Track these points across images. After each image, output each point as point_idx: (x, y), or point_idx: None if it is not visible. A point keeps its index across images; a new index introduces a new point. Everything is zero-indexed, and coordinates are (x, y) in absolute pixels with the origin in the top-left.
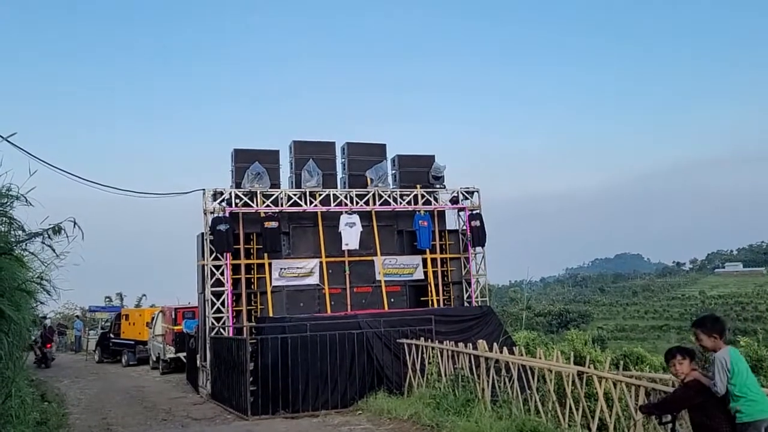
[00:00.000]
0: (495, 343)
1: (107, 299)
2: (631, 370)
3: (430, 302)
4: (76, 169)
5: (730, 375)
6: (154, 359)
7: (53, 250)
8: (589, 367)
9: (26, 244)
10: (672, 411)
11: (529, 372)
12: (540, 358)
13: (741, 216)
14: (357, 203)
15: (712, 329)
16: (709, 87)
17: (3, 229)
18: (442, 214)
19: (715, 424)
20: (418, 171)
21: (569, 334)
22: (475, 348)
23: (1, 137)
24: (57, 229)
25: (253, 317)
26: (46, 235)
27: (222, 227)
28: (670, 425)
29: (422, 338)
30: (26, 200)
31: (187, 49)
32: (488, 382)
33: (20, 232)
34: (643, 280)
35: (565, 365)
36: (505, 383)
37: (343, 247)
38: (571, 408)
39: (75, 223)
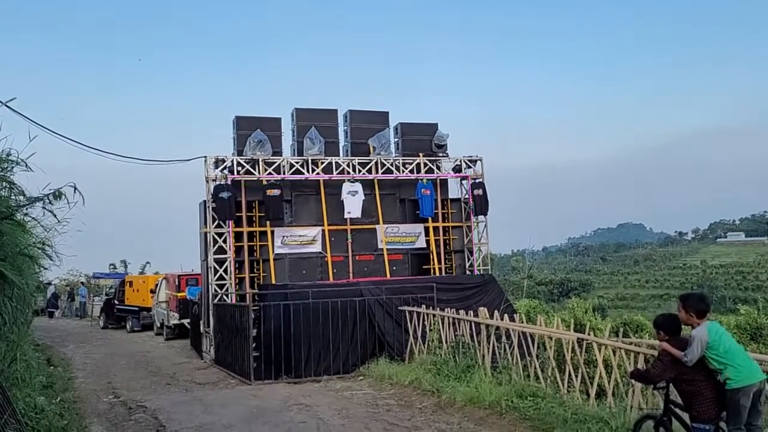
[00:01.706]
0: (496, 311)
1: (111, 266)
2: (630, 338)
3: (432, 270)
4: (78, 137)
5: (708, 348)
6: (158, 325)
7: (54, 216)
8: (589, 335)
9: (27, 210)
10: (649, 383)
11: (529, 339)
12: (540, 325)
13: (744, 186)
14: (359, 171)
15: (690, 306)
16: (712, 56)
17: (4, 193)
18: (444, 183)
19: (697, 389)
20: (421, 139)
21: (570, 303)
22: (476, 315)
23: (0, 102)
24: (57, 195)
25: (255, 284)
26: (47, 201)
27: (224, 195)
28: (663, 390)
29: (424, 306)
30: (26, 165)
31: (188, 16)
32: (488, 348)
33: (21, 197)
34: (644, 249)
35: (565, 332)
36: (505, 350)
37: (346, 216)
38: (570, 374)
39: (75, 189)
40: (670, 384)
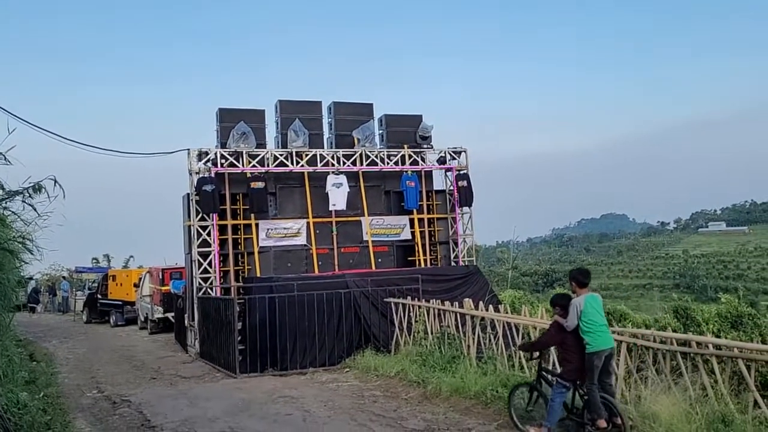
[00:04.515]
0: (481, 302)
1: (94, 260)
2: (613, 327)
3: (417, 262)
4: (59, 130)
5: (581, 316)
6: (142, 319)
7: (35, 210)
8: None
9: (7, 203)
10: (538, 349)
11: (514, 329)
12: (525, 316)
13: (725, 176)
14: (344, 163)
15: (572, 279)
16: (694, 48)
17: None
18: (429, 175)
19: (569, 356)
20: (406, 131)
21: (554, 293)
22: (461, 306)
23: None
24: (37, 188)
25: (240, 277)
26: (27, 194)
27: (208, 188)
28: (537, 361)
29: (409, 297)
30: (5, 158)
31: (173, 9)
32: (474, 339)
33: (0, 191)
34: (628, 240)
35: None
36: (490, 340)
37: (330, 208)
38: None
39: (56, 182)
40: (542, 357)
